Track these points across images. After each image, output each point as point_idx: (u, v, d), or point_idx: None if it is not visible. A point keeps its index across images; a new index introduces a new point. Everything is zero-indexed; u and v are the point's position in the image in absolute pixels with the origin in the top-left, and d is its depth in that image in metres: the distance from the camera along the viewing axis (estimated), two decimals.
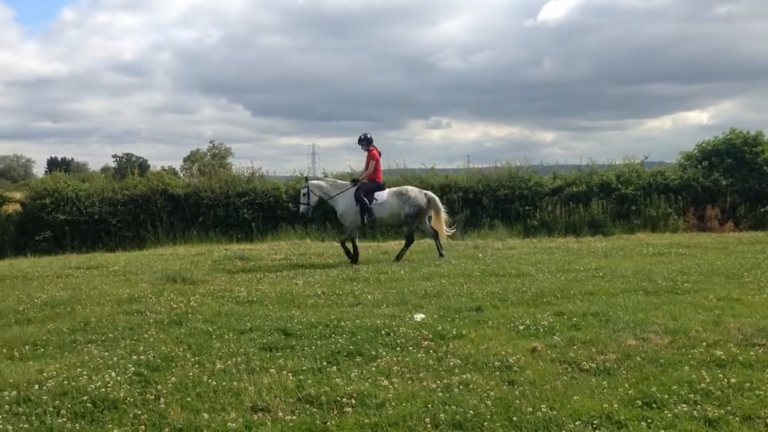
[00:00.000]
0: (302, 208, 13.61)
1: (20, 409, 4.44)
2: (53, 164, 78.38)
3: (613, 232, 18.88)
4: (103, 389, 4.74)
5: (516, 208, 20.55)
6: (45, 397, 4.60)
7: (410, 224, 13.39)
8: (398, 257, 13.13)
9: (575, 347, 5.79)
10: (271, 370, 5.23)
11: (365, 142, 13.63)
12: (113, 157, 79.75)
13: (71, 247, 19.94)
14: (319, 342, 6.13)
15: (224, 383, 4.90)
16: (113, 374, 5.09)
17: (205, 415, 4.31)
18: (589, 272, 10.30)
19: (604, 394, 4.58)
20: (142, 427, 4.14)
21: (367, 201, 13.18)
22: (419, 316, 7.20)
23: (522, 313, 7.32)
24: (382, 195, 13.47)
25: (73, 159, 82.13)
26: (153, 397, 4.64)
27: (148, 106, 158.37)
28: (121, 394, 4.66)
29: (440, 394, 4.66)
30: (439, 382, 4.93)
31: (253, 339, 6.30)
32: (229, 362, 5.47)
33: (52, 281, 10.79)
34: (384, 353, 5.70)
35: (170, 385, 4.89)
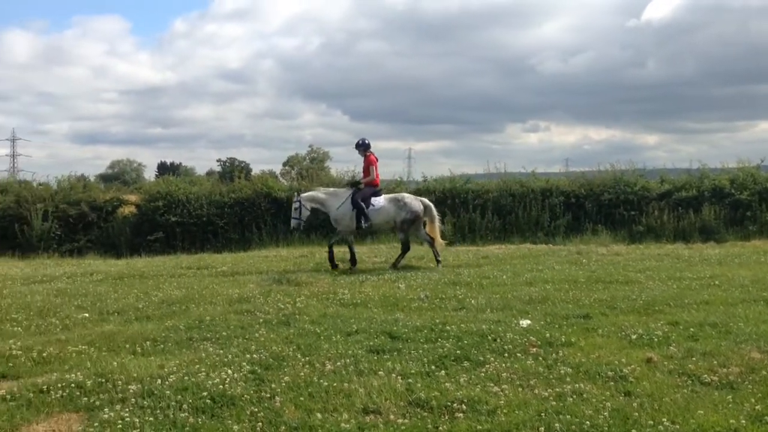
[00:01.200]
0: (293, 222, 13.31)
1: (145, 402, 4.66)
2: (163, 168, 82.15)
3: (726, 239, 17.98)
4: (221, 386, 4.91)
5: (620, 212, 19.90)
6: (168, 392, 4.81)
7: (405, 231, 13.26)
8: (395, 265, 13.02)
9: (694, 359, 5.55)
10: (379, 372, 5.28)
11: (363, 147, 13.42)
12: (218, 161, 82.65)
13: (181, 248, 20.80)
14: (425, 346, 6.13)
15: (335, 384, 4.98)
16: (229, 371, 5.27)
17: (319, 415, 4.39)
18: (704, 281, 9.84)
19: (729, 409, 4.37)
20: (260, 424, 4.26)
21: (364, 206, 13.03)
22: (525, 322, 7.09)
23: (633, 321, 7.08)
24: (378, 200, 13.31)
25: (181, 163, 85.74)
26: (268, 395, 4.77)
27: (251, 112, 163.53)
28: (238, 391, 4.82)
29: (553, 402, 4.57)
30: (550, 390, 4.83)
31: (359, 341, 6.38)
32: (338, 363, 5.56)
33: (167, 280, 11.29)
34: (492, 359, 5.65)
35: (283, 384, 5.01)
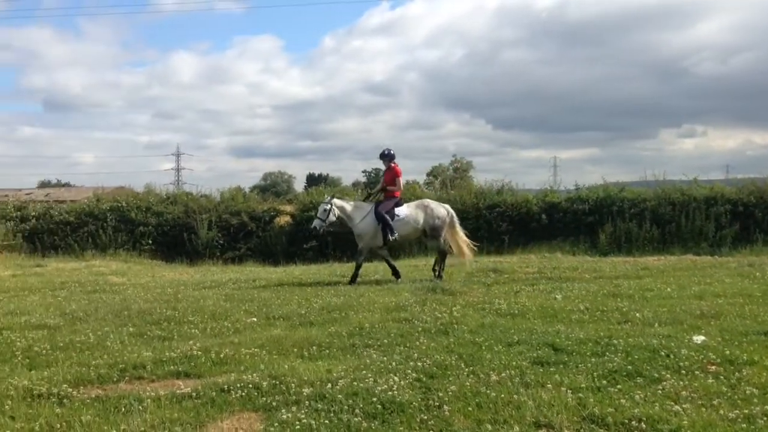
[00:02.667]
0: (316, 222, 12.84)
1: (318, 405, 4.81)
2: (311, 179, 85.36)
3: None
4: (390, 392, 4.98)
5: None
6: (339, 396, 4.94)
7: (437, 237, 12.83)
8: (439, 276, 12.70)
9: None
10: (547, 385, 5.15)
11: (388, 158, 13.02)
12: (363, 171, 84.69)
13: (333, 256, 21.44)
14: (592, 359, 5.92)
15: (503, 395, 4.91)
16: (395, 378, 5.34)
17: (489, 426, 4.34)
18: None
19: None
20: (430, 431, 4.27)
21: (389, 218, 12.56)
22: (699, 338, 6.66)
23: None
24: (402, 210, 12.85)
25: (328, 174, 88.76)
26: (436, 403, 4.78)
27: (395, 123, 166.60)
28: (406, 398, 4.86)
29: (743, 425, 4.26)
30: (737, 411, 4.50)
31: (522, 352, 6.26)
32: (503, 374, 5.48)
33: (324, 288, 11.66)
34: (668, 376, 5.35)
35: (450, 393, 5.01)
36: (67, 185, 75.62)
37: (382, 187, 13.03)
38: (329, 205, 12.68)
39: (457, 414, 4.59)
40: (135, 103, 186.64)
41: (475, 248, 13.94)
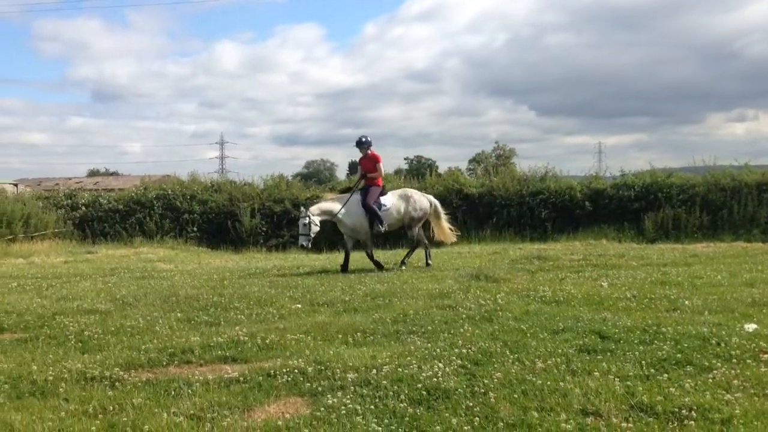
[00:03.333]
0: (302, 240, 12.33)
1: (364, 391, 4.83)
2: (353, 167, 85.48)
3: None
4: (434, 379, 4.98)
5: None
6: (384, 382, 4.96)
7: (412, 228, 12.77)
8: (427, 264, 12.79)
9: None
10: (594, 373, 5.08)
11: (366, 144, 12.72)
12: (405, 159, 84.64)
13: (375, 244, 21.49)
14: (640, 347, 5.82)
15: (549, 383, 4.86)
16: (440, 365, 5.33)
17: (535, 414, 4.31)
18: None
19: None
20: (476, 419, 4.26)
21: (377, 209, 12.32)
22: (751, 327, 6.50)
23: None
24: (387, 200, 12.63)
25: None
26: (481, 390, 4.76)
27: (438, 110, 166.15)
28: (451, 385, 4.85)
29: None
30: None
31: (567, 340, 6.19)
32: (549, 362, 5.42)
33: (367, 275, 11.71)
34: (718, 365, 5.23)
35: (495, 380, 4.98)
36: (115, 174, 77.31)
37: (362, 174, 12.80)
38: (307, 219, 12.18)
39: (502, 401, 4.56)
40: (181, 92, 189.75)
41: (457, 235, 14.13)
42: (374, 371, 5.24)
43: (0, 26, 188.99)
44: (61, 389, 5.08)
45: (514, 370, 5.22)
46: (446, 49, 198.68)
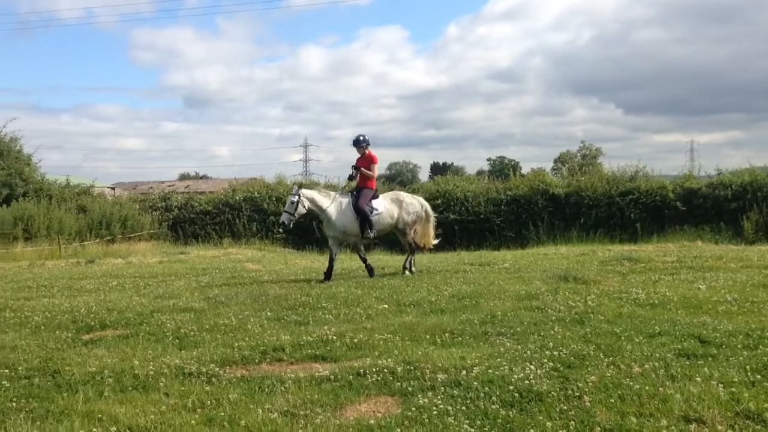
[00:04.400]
0: (284, 217, 11.79)
1: (454, 392, 4.80)
2: (435, 168, 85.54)
3: None
4: (526, 381, 4.90)
5: None
6: (475, 383, 4.91)
7: (407, 234, 12.22)
8: (410, 269, 12.29)
9: None
10: (696, 378, 4.88)
11: (365, 143, 12.15)
12: (487, 160, 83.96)
13: (460, 245, 21.39)
14: (744, 353, 5.55)
15: (647, 388, 4.69)
16: (531, 367, 5.24)
17: (633, 419, 4.17)
18: None
19: None
20: (572, 423, 4.16)
21: (368, 212, 11.70)
22: None
23: None
24: (379, 204, 12.00)
25: (452, 163, 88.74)
26: (576, 394, 4.65)
27: (521, 110, 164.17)
28: (544, 388, 4.76)
29: None
30: None
31: (665, 344, 5.97)
32: (646, 366, 5.24)
33: (453, 275, 11.65)
34: None
35: (590, 383, 4.85)
36: (205, 177, 79.92)
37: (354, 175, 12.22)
38: (296, 197, 11.68)
39: (598, 405, 4.44)
40: (267, 96, 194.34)
41: (435, 245, 13.32)
42: (464, 372, 5.20)
43: (101, 37, 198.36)
44: (161, 383, 5.26)
45: (609, 374, 5.08)
46: (530, 48, 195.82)
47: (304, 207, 11.65)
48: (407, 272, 12.13)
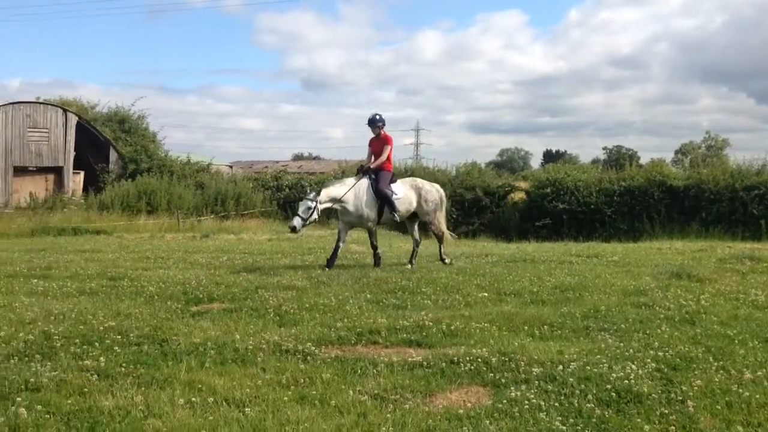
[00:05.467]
0: (296, 221, 10.73)
1: (549, 386, 4.67)
2: (548, 156, 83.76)
3: None
4: (626, 381, 4.69)
5: None
6: (570, 379, 4.76)
7: (431, 222, 11.62)
8: (443, 260, 11.69)
9: None
10: None
11: (381, 123, 11.34)
12: (603, 149, 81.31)
13: (568, 235, 20.84)
14: None
15: (758, 396, 4.40)
16: (633, 366, 5.02)
17: (740, 428, 3.93)
18: None
19: None
20: (672, 427, 3.96)
21: (390, 194, 10.85)
22: None
23: None
24: (398, 189, 11.12)
25: (566, 151, 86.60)
26: (678, 397, 4.42)
27: (642, 98, 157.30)
28: (645, 389, 4.55)
29: None
30: None
31: None
32: (759, 373, 4.91)
33: (557, 266, 11.34)
34: None
35: (695, 387, 4.60)
36: (317, 158, 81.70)
37: (370, 156, 11.58)
38: (314, 203, 10.65)
39: (702, 411, 4.20)
40: (382, 80, 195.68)
41: (454, 237, 12.61)
42: (560, 367, 5.05)
43: (227, 21, 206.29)
44: (259, 359, 5.42)
45: (717, 379, 4.79)
46: (656, 33, 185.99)
47: (317, 216, 10.82)
48: (409, 265, 11.39)
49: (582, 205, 22.02)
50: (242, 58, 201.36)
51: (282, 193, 27.00)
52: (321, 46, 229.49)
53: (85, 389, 4.62)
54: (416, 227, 11.87)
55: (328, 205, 10.88)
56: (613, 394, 4.49)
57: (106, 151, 32.18)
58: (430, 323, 6.57)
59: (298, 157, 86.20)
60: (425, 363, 5.29)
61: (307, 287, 8.87)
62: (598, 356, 5.37)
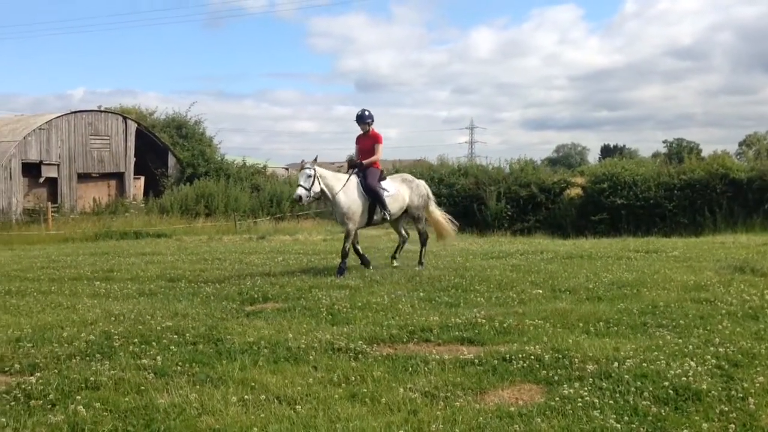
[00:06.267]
0: (300, 191, 10.06)
1: (603, 384, 4.57)
2: (606, 151, 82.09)
3: None
4: (684, 378, 4.56)
5: None
6: (626, 376, 4.65)
7: (421, 219, 11.14)
8: (420, 263, 11.01)
9: None
10: None
11: (370, 119, 10.80)
12: (664, 142, 79.36)
13: (626, 230, 20.41)
14: None
15: None
16: (692, 363, 4.87)
17: None
18: None
19: None
20: (732, 426, 3.83)
21: (380, 192, 10.29)
22: None
23: None
24: (389, 185, 10.55)
25: (624, 145, 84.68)
26: (739, 395, 4.27)
27: (704, 89, 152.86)
28: (704, 386, 4.41)
29: None
30: None
31: None
32: None
33: (615, 262, 11.12)
34: None
35: (757, 385, 4.44)
36: None
37: (357, 154, 11.04)
38: (312, 170, 10.11)
39: (764, 408, 4.05)
40: (436, 80, 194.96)
41: (456, 226, 11.94)
42: (616, 364, 4.94)
43: (282, 26, 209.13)
44: (311, 357, 5.46)
45: None
46: (717, 22, 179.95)
47: (320, 183, 10.14)
48: (394, 262, 11.10)
49: (641, 199, 21.54)
50: (296, 61, 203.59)
51: None
52: (374, 48, 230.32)
53: (142, 387, 4.73)
54: (402, 223, 11.46)
55: (323, 186, 10.21)
56: (671, 391, 4.36)
57: (165, 157, 32.97)
58: (483, 320, 6.52)
59: (352, 158, 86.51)
60: (477, 360, 5.25)
61: (360, 286, 8.90)
62: (656, 353, 5.23)
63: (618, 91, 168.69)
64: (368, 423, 4.03)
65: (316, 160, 10.43)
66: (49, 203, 26.61)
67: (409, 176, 11.63)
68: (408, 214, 11.17)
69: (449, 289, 8.58)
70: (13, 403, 4.45)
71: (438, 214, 11.50)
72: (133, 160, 32.19)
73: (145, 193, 32.21)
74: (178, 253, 14.74)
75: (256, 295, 8.40)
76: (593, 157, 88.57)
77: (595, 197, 22.40)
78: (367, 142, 10.85)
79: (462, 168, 26.63)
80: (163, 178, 32.12)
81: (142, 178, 33.19)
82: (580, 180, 24.00)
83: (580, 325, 6.37)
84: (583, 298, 7.82)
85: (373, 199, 10.39)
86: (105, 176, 31.50)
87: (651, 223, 21.15)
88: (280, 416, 4.16)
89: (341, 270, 10.11)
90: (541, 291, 8.27)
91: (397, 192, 10.75)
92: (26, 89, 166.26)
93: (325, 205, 10.36)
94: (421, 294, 8.23)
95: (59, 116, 29.42)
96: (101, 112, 32.31)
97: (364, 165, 10.60)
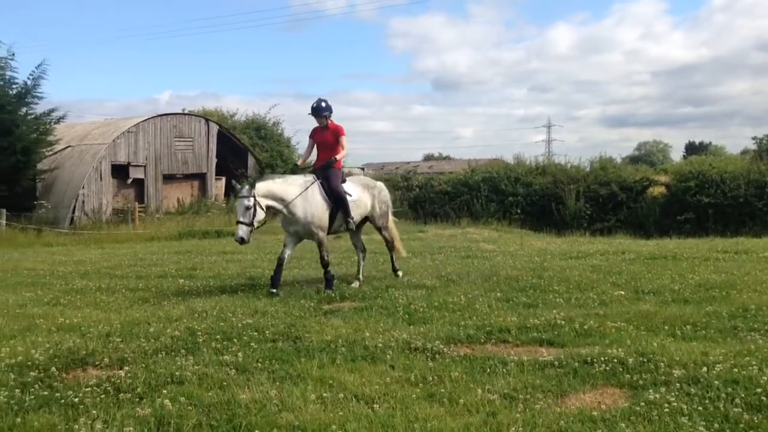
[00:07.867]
0: (241, 231, 8.46)
1: (691, 389, 4.40)
2: (691, 148, 79.25)
3: None
4: None
5: None
6: (715, 382, 4.46)
7: (386, 227, 10.09)
8: (395, 271, 10.13)
9: None
10: None
11: (328, 111, 9.36)
12: (753, 138, 75.91)
13: (713, 230, 19.65)
14: None
15: None
16: None
17: None
18: None
19: None
20: None
21: (346, 198, 9.15)
22: None
23: None
24: (352, 190, 9.41)
25: (710, 142, 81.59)
26: None
27: None
28: None
29: None
30: None
31: None
32: None
33: (701, 263, 10.70)
34: None
35: None
36: (447, 158, 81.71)
37: (310, 150, 9.81)
38: (250, 200, 8.52)
39: None
40: (513, 78, 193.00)
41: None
42: (704, 369, 4.74)
43: (361, 27, 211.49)
44: (388, 356, 5.47)
45: None
46: None
47: (262, 209, 8.66)
48: (356, 282, 9.46)
49: (729, 198, 20.65)
50: (373, 62, 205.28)
51: (412, 193, 27.21)
52: (451, 47, 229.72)
53: (225, 383, 4.84)
54: (360, 234, 10.24)
55: (272, 203, 8.76)
56: (764, 398, 4.15)
57: (245, 158, 33.72)
58: (563, 322, 6.39)
59: (428, 158, 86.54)
60: (557, 362, 5.13)
61: (436, 286, 8.88)
62: (748, 358, 5.00)
63: (703, 87, 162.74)
64: (446, 424, 4.00)
65: (253, 185, 8.73)
66: (137, 203, 27.61)
67: (371, 181, 10.35)
68: (369, 223, 10.07)
69: (527, 289, 8.45)
70: (103, 396, 4.62)
71: (394, 228, 10.45)
72: (214, 161, 33.04)
73: (226, 194, 33.02)
74: (258, 252, 15.03)
75: (333, 294, 8.47)
76: (676, 154, 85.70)
77: (680, 196, 21.60)
78: (328, 135, 9.45)
79: (539, 167, 26.18)
80: (243, 178, 32.87)
81: (223, 179, 34.02)
82: (663, 178, 23.19)
83: (666, 328, 6.15)
84: (669, 300, 7.56)
85: (335, 204, 9.12)
86: (188, 177, 32.44)
87: (740, 222, 20.25)
88: (358, 415, 4.18)
89: (329, 282, 8.97)
90: (623, 292, 8.04)
91: (359, 198, 9.52)
92: (117, 95, 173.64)
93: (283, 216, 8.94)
94: (498, 294, 8.13)
95: (146, 119, 30.47)
96: (185, 114, 33.31)
97: (333, 165, 9.26)
